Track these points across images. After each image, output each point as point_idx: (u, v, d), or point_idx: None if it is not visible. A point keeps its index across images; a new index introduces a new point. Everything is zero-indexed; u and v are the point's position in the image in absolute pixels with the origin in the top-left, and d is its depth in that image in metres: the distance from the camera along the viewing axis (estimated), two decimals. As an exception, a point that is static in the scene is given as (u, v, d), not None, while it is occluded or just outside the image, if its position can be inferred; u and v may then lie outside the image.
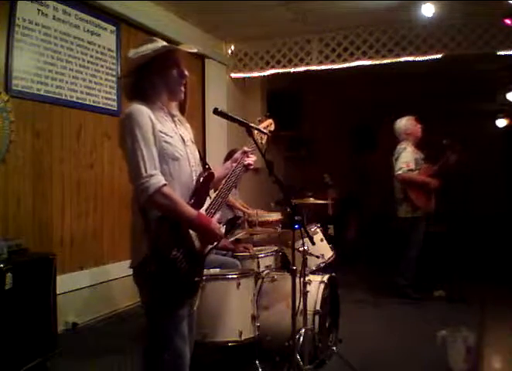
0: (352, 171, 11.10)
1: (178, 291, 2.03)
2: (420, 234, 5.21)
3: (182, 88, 2.20)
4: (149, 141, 1.99)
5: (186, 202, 2.07)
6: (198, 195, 2.13)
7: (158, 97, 2.13)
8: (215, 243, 2.16)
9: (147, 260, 1.97)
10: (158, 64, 2.12)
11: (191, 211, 2.03)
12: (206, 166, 2.25)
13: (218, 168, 2.42)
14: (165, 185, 1.97)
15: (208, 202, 2.18)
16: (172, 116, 2.18)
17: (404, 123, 5.36)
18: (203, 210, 2.14)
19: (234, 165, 2.34)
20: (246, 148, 2.38)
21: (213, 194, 2.22)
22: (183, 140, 2.17)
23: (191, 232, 2.07)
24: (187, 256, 2.02)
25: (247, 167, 2.35)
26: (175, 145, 2.09)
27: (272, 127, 2.60)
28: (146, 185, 1.94)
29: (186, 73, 2.20)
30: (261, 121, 2.56)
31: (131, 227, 2.12)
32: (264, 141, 2.49)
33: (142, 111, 2.02)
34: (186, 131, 2.24)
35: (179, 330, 2.08)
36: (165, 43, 2.17)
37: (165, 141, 2.05)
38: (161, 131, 2.05)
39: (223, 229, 2.20)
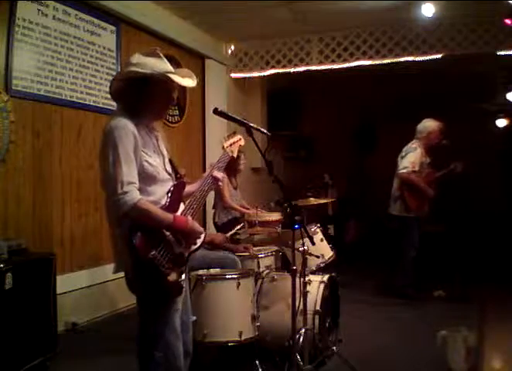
0: (352, 172, 11.09)
1: (162, 291, 2.09)
2: (414, 234, 5.21)
3: (167, 111, 2.31)
4: (130, 157, 2.06)
5: (161, 206, 2.15)
6: (171, 199, 2.20)
7: (145, 112, 2.18)
8: (198, 244, 2.24)
9: (130, 266, 2.04)
10: (154, 84, 2.16)
11: (168, 217, 2.11)
12: (178, 175, 2.34)
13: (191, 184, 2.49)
14: (138, 200, 2.03)
15: (182, 207, 2.26)
16: (155, 132, 2.26)
17: (431, 124, 5.29)
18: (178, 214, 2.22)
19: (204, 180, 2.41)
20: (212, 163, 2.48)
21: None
22: (163, 156, 2.26)
23: (168, 235, 2.13)
24: (166, 257, 2.08)
25: (215, 180, 2.39)
26: (154, 165, 2.16)
27: (242, 142, 2.63)
28: (122, 202, 2.01)
29: (175, 100, 2.28)
30: (229, 137, 2.59)
31: (110, 234, 2.21)
32: (235, 154, 2.54)
33: (127, 127, 2.07)
34: (163, 146, 2.31)
35: (169, 324, 2.14)
36: (168, 67, 2.18)
37: (146, 161, 2.13)
38: (143, 150, 2.12)
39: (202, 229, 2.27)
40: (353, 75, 7.04)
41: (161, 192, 2.18)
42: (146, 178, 2.12)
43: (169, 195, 2.21)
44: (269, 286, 3.53)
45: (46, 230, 4.04)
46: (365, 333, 4.02)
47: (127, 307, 4.70)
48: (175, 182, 2.27)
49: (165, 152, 2.30)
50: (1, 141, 3.61)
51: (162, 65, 2.17)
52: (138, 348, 2.20)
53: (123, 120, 2.09)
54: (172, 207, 2.19)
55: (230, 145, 2.53)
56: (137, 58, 2.17)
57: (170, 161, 2.33)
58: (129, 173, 2.04)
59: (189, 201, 2.28)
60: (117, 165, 2.02)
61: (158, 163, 2.20)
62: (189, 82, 2.24)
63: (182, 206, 2.27)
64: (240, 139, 2.61)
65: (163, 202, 2.18)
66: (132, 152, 2.06)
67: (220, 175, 2.42)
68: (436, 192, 5.29)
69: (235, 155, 2.55)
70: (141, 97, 2.16)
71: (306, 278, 3.19)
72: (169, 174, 2.27)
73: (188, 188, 2.38)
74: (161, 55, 2.20)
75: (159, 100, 2.21)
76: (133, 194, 2.02)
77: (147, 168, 2.12)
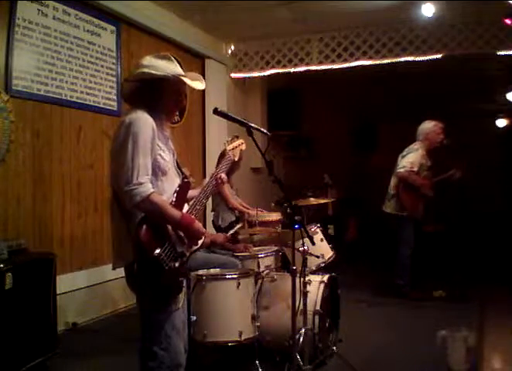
0: (352, 171, 11.10)
1: (164, 289, 2.12)
2: (408, 233, 5.20)
3: (176, 113, 2.37)
4: (147, 150, 2.10)
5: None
6: (177, 199, 2.23)
7: (157, 113, 2.22)
8: (199, 244, 2.28)
9: (133, 262, 2.06)
10: (166, 86, 2.21)
11: (176, 213, 2.14)
12: (183, 175, 2.36)
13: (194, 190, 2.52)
14: (152, 193, 2.06)
15: (186, 208, 2.30)
16: (165, 133, 2.29)
17: (430, 126, 5.29)
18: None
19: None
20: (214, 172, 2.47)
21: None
22: (173, 155, 2.31)
23: (172, 234, 2.16)
24: (170, 256, 2.11)
25: (218, 181, 2.42)
26: (166, 160, 2.21)
27: (244, 147, 2.65)
28: (135, 193, 2.03)
29: (185, 103, 2.35)
30: (232, 141, 2.60)
31: (112, 231, 2.22)
32: (237, 158, 2.57)
33: (148, 121, 2.12)
34: (172, 146, 2.36)
35: (171, 322, 2.16)
36: (179, 70, 2.24)
37: (160, 154, 2.17)
38: (158, 144, 2.16)
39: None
40: (353, 75, 7.04)
41: (169, 189, 2.21)
42: (157, 172, 2.16)
43: (175, 194, 2.23)
44: (269, 286, 3.53)
45: (45, 230, 4.04)
46: (365, 333, 4.02)
47: (127, 307, 4.70)
48: (181, 182, 2.30)
49: (174, 152, 2.34)
50: (1, 141, 3.61)
51: (173, 67, 2.22)
52: (140, 345, 2.21)
53: (143, 113, 2.13)
54: (177, 206, 2.21)
55: (233, 149, 2.56)
56: (148, 60, 2.22)
57: (176, 161, 2.36)
58: (145, 165, 2.08)
59: (192, 202, 2.31)
60: (135, 156, 2.06)
61: (169, 159, 2.24)
62: (198, 85, 2.30)
63: (186, 207, 2.29)
64: (242, 143, 2.63)
65: (169, 200, 2.20)
66: (150, 144, 2.10)
67: (223, 176, 2.44)
68: (434, 194, 5.29)
69: (237, 159, 2.57)
70: (154, 98, 2.20)
71: (306, 278, 3.19)
72: (177, 173, 2.31)
73: (190, 193, 2.40)
74: (172, 58, 2.25)
75: (170, 101, 2.26)
76: (147, 186, 2.06)
77: (160, 162, 2.16)
